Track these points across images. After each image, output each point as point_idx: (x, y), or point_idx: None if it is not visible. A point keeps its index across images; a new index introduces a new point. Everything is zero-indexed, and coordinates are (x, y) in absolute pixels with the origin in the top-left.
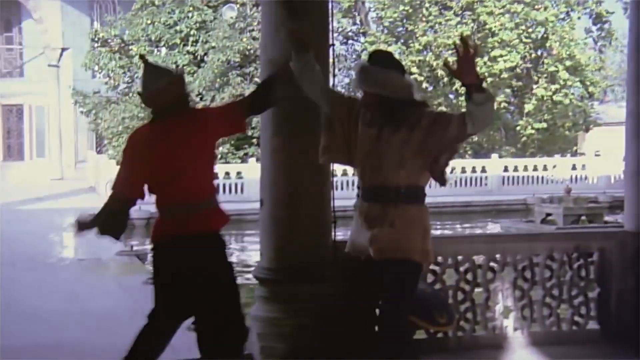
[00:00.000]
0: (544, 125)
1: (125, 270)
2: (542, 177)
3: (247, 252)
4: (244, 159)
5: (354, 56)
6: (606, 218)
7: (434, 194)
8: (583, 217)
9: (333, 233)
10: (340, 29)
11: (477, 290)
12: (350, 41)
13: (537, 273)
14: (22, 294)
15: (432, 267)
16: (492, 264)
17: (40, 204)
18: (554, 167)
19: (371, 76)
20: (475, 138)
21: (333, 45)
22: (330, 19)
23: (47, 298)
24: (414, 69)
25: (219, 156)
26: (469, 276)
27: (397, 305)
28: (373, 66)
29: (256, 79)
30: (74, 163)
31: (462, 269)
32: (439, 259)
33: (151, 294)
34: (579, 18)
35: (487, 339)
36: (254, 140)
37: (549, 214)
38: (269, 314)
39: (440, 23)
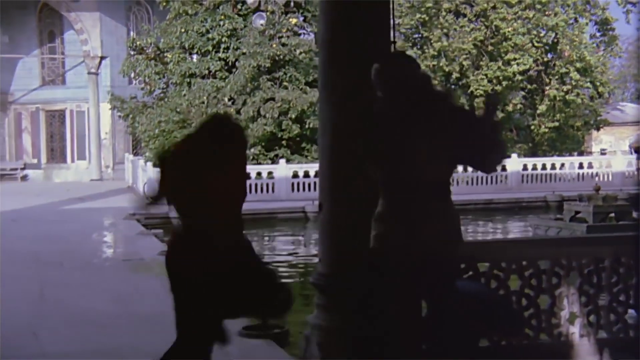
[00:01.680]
0: (556, 124)
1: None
2: (556, 175)
3: (278, 251)
4: (274, 160)
5: None
6: (634, 215)
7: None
8: (611, 215)
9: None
10: None
11: (541, 296)
12: None
13: (603, 278)
14: (71, 296)
15: (495, 272)
16: (556, 268)
17: (82, 204)
18: (562, 165)
19: None
20: None
21: (394, 42)
22: (391, 15)
23: (95, 300)
24: (429, 73)
25: (251, 157)
26: (534, 281)
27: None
28: None
29: (285, 83)
30: (112, 165)
31: (526, 274)
32: (503, 264)
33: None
34: (586, 24)
35: (552, 346)
36: (284, 142)
37: (577, 212)
38: (330, 323)
39: (455, 29)
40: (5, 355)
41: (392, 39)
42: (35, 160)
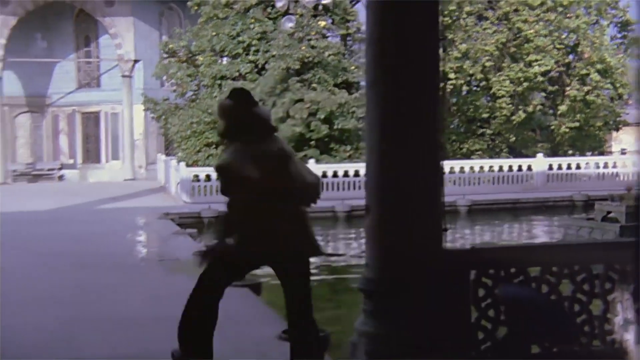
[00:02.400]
0: (577, 124)
1: None
2: (579, 175)
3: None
4: (303, 160)
5: None
6: None
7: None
8: None
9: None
10: None
11: (594, 301)
12: None
13: None
14: (107, 297)
15: (547, 277)
16: (610, 273)
17: (116, 204)
18: (587, 164)
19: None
20: (513, 138)
21: (444, 38)
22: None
23: (132, 301)
24: (452, 75)
25: None
26: (586, 286)
27: None
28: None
29: (314, 85)
30: (145, 165)
31: (578, 278)
32: (554, 268)
33: (234, 297)
34: (607, 25)
35: (605, 352)
36: (312, 143)
37: (609, 212)
38: (378, 329)
39: (477, 32)
40: (42, 356)
41: (439, 37)
42: (71, 161)
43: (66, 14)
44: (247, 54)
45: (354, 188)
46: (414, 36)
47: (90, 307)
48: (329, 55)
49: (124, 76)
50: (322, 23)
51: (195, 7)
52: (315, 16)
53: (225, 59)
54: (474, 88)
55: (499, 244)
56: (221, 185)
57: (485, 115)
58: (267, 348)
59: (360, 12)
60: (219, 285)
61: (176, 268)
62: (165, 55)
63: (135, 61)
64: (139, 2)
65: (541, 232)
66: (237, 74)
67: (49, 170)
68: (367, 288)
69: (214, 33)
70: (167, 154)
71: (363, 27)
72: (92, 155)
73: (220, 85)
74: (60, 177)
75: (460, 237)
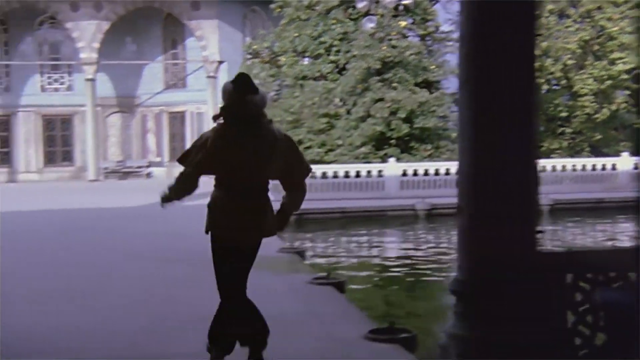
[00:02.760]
0: None
1: (288, 268)
2: None
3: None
4: (383, 159)
5: None
6: None
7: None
8: None
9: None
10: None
11: None
12: None
13: None
14: (195, 294)
15: None
16: None
17: (202, 200)
18: None
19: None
20: (600, 136)
21: (540, 34)
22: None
23: (212, 297)
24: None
25: (362, 156)
26: None
27: None
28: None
29: (394, 84)
30: None
31: None
32: None
33: (318, 295)
34: None
35: None
36: (393, 141)
37: None
38: (470, 332)
39: (559, 30)
40: (132, 355)
41: (535, 34)
42: (158, 159)
43: (155, 18)
44: (328, 54)
45: (434, 186)
46: (510, 33)
47: (179, 304)
48: (410, 54)
49: (208, 77)
50: (403, 23)
51: (278, 9)
52: (395, 16)
53: (306, 59)
54: (554, 87)
55: (596, 246)
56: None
57: (564, 114)
58: (353, 348)
59: (440, 12)
60: (222, 273)
61: (261, 265)
62: (248, 56)
63: (220, 62)
64: (224, 5)
65: (630, 232)
66: (318, 73)
67: (137, 167)
68: (458, 289)
69: (296, 34)
70: None
71: (442, 27)
72: (178, 153)
73: (301, 85)
74: (148, 175)
75: (548, 237)
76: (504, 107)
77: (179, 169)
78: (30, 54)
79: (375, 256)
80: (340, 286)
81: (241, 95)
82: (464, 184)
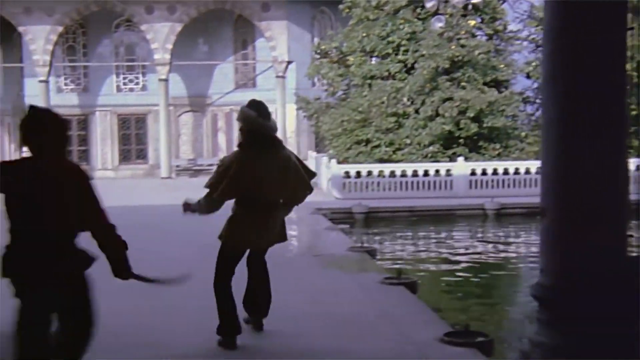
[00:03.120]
0: None
1: (359, 267)
2: None
3: (458, 248)
4: (452, 158)
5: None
6: None
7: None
8: None
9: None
10: (532, 37)
11: None
12: (539, 48)
13: None
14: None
15: None
16: None
17: None
18: None
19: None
20: None
21: (632, 28)
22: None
23: (291, 297)
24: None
25: (430, 155)
26: None
27: None
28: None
29: (463, 83)
30: None
31: None
32: None
33: (390, 296)
34: None
35: None
36: (461, 141)
37: None
38: (554, 340)
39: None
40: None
41: (625, 30)
42: None
43: (226, 20)
44: (396, 54)
45: (503, 186)
46: (599, 29)
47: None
48: (479, 53)
49: (277, 77)
50: (472, 22)
51: (347, 10)
52: (464, 15)
53: (375, 59)
54: None
55: None
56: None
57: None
58: (428, 351)
59: (509, 11)
60: (226, 271)
61: (331, 263)
62: (317, 56)
63: (289, 62)
64: (293, 6)
65: None
66: (386, 73)
67: (208, 165)
68: (542, 295)
69: (364, 34)
70: (318, 151)
71: (510, 26)
72: None
73: (370, 84)
74: None
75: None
76: (593, 105)
77: None
78: (107, 56)
79: (444, 256)
80: (412, 286)
81: (264, 120)
82: (548, 185)
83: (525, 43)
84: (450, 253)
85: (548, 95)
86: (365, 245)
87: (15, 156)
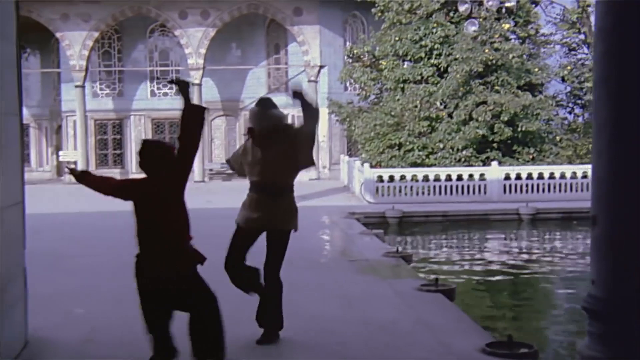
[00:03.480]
0: None
1: (395, 273)
2: None
3: (494, 253)
4: (485, 162)
5: (577, 65)
6: None
7: None
8: None
9: None
10: (564, 40)
11: None
12: (572, 52)
13: None
14: (302, 298)
15: None
16: None
17: (304, 202)
18: None
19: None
20: None
21: None
22: None
23: (327, 303)
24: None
25: (463, 159)
26: None
27: None
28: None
29: (497, 87)
30: (328, 165)
31: None
32: None
33: (428, 303)
34: None
35: None
36: (495, 145)
37: None
38: (607, 355)
39: None
40: None
41: None
42: None
43: (259, 25)
44: (429, 58)
45: (537, 191)
46: None
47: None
48: (513, 57)
49: (310, 81)
50: (506, 25)
51: (379, 14)
52: (498, 19)
53: (407, 62)
54: None
55: None
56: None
57: None
58: None
59: (541, 14)
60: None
61: (366, 269)
62: (349, 60)
63: (321, 67)
64: (325, 10)
65: None
66: (419, 77)
67: None
68: (593, 308)
69: (397, 38)
70: (350, 155)
71: (542, 30)
72: None
73: (402, 88)
74: None
75: None
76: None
77: None
78: (141, 61)
79: (480, 262)
80: (449, 293)
81: (266, 110)
82: (600, 191)
83: (557, 47)
84: (486, 259)
85: (600, 97)
86: (400, 250)
87: (51, 158)
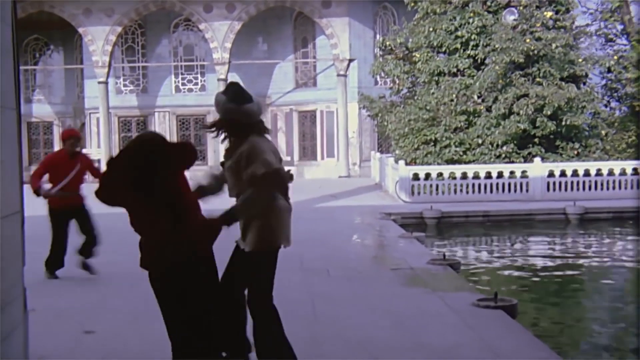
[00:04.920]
0: None
1: (445, 284)
2: None
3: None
4: (527, 158)
5: (615, 57)
6: None
7: None
8: None
9: None
10: (601, 32)
11: None
12: (609, 43)
13: None
14: (343, 314)
15: None
16: None
17: (335, 202)
18: None
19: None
20: None
21: None
22: None
23: (372, 321)
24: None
25: (503, 155)
26: None
27: None
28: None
29: (538, 79)
30: (359, 162)
31: None
32: None
33: (488, 322)
34: None
35: None
36: (537, 140)
37: None
38: None
39: None
40: None
41: None
42: (288, 158)
43: (285, 18)
44: (465, 49)
45: (584, 188)
46: None
47: (326, 324)
48: (557, 47)
49: (339, 75)
50: (548, 14)
51: (412, 4)
52: (539, 7)
53: (442, 54)
54: None
55: None
56: None
57: None
58: None
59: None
60: None
61: (413, 279)
62: (381, 53)
63: (350, 60)
64: (355, 2)
65: None
66: (455, 69)
67: None
68: None
69: (431, 29)
70: (381, 151)
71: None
72: (307, 152)
73: (437, 81)
74: None
75: None
76: None
77: (309, 168)
78: (166, 56)
79: (534, 269)
80: (512, 310)
81: (236, 104)
82: None
83: (594, 37)
84: (539, 266)
85: None
86: (447, 257)
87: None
